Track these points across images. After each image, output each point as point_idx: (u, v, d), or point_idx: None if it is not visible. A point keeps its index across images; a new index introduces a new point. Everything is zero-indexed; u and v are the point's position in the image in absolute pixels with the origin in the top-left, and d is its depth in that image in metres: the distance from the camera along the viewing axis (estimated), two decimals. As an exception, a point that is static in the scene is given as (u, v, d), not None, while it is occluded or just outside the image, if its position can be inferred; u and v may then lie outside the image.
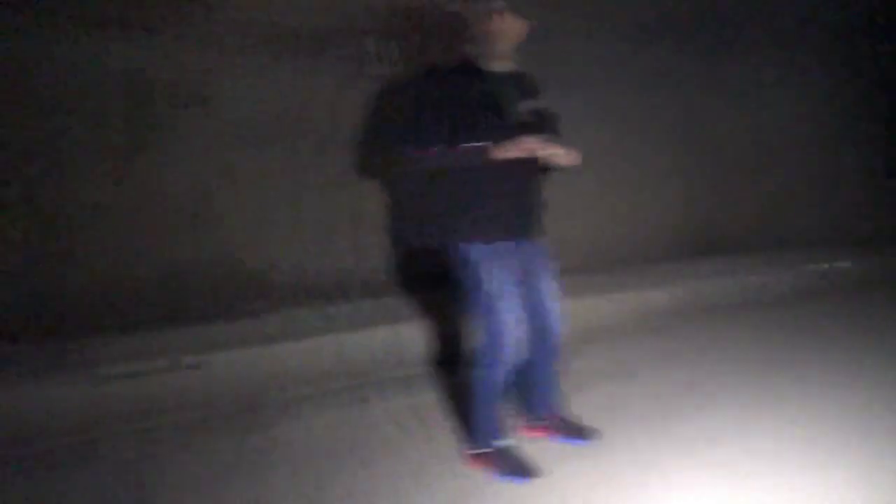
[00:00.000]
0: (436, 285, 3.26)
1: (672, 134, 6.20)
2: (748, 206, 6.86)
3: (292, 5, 3.86)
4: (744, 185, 6.83)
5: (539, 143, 2.16)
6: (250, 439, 2.63)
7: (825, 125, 7.51)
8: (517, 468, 2.27)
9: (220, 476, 2.31)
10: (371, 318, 3.55)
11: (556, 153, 2.20)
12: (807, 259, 5.88)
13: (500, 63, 2.33)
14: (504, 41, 2.30)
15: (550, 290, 2.46)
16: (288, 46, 3.88)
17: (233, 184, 3.81)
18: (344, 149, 4.01)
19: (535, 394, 2.57)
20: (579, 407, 2.76)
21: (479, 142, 2.17)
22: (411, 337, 3.42)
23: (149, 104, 3.56)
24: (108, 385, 2.71)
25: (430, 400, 3.01)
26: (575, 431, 2.53)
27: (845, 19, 7.44)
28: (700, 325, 4.31)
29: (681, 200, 6.34)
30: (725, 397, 2.93)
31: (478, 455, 2.34)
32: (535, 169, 2.32)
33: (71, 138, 3.43)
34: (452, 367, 3.24)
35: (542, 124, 2.32)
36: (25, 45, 3.32)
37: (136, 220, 3.55)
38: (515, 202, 2.36)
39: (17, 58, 3.30)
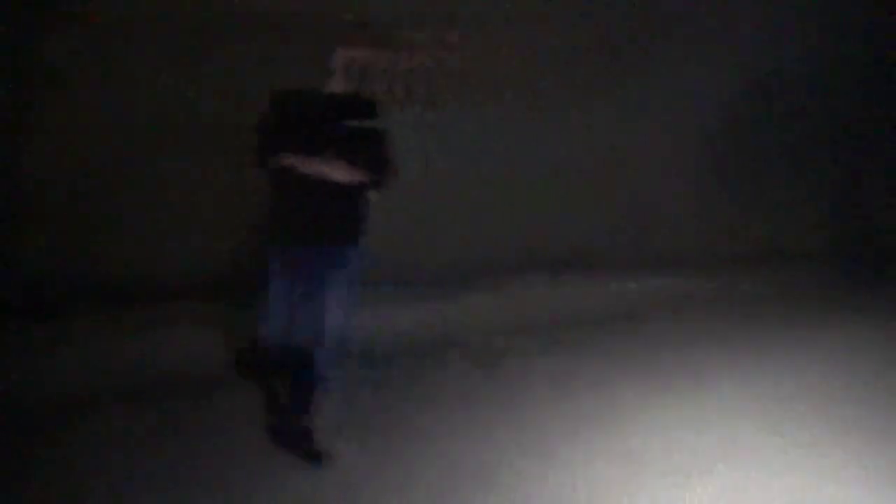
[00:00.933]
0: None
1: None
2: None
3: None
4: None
5: (301, 160, 2.46)
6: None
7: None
8: (307, 453, 2.56)
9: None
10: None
11: (319, 169, 2.46)
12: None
13: (337, 86, 2.60)
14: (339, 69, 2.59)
15: (334, 298, 2.58)
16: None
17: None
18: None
19: (295, 395, 2.69)
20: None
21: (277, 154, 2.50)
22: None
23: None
24: None
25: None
26: (307, 448, 2.59)
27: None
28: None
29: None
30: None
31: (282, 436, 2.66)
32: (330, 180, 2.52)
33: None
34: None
35: (349, 142, 2.54)
36: None
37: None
38: (303, 209, 2.57)
39: None
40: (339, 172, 2.49)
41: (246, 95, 4.17)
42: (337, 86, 2.60)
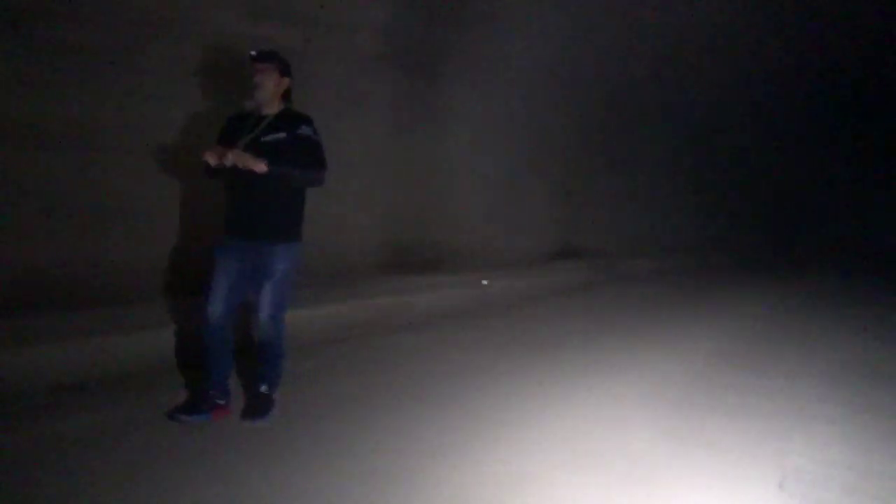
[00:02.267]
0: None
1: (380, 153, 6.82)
2: (443, 226, 7.75)
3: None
4: (438, 207, 7.64)
5: (223, 152, 3.10)
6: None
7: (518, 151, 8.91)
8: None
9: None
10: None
11: (245, 162, 3.05)
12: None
13: (267, 107, 3.29)
14: (260, 91, 3.24)
15: (267, 291, 3.20)
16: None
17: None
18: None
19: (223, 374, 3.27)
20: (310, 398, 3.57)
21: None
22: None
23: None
24: None
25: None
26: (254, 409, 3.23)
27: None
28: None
29: (389, 218, 7.00)
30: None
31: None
32: (260, 180, 3.09)
33: None
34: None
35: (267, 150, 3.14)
36: None
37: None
38: (241, 207, 3.23)
39: None
40: (260, 166, 3.05)
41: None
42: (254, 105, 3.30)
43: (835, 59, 13.18)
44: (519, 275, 7.95)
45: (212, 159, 3.11)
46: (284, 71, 3.33)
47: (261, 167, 3.05)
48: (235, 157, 3.07)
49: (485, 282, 6.88)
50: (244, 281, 3.27)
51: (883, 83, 15.03)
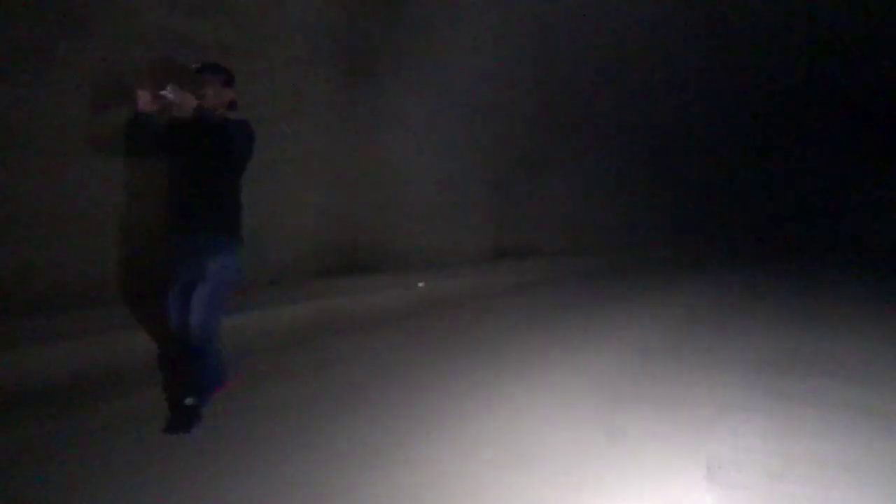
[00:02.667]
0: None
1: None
2: (382, 228, 7.73)
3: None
4: (377, 208, 7.63)
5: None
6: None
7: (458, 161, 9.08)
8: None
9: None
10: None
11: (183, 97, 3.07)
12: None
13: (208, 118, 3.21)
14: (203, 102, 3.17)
15: (200, 291, 3.12)
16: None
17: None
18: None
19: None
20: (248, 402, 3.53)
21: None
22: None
23: None
24: None
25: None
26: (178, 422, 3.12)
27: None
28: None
29: (327, 220, 6.90)
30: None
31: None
32: (201, 175, 3.13)
33: None
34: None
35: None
36: None
37: None
38: (181, 204, 3.21)
39: None
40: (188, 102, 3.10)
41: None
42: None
43: (784, 56, 13.68)
44: (458, 275, 8.01)
45: (146, 104, 3.09)
46: (228, 82, 3.30)
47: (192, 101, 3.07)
48: (173, 91, 3.06)
49: (421, 284, 6.89)
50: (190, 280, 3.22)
51: (829, 81, 15.64)
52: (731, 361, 4.87)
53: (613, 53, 10.99)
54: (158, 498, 2.46)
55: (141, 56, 4.69)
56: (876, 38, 13.24)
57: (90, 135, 4.44)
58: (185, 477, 2.63)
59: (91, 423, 3.17)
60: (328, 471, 2.74)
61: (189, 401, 3.18)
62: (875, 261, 15.46)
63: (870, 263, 14.76)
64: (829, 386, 4.21)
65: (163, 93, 3.07)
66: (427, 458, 2.91)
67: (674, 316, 6.93)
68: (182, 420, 3.13)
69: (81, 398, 3.42)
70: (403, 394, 3.87)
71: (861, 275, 12.35)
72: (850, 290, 9.87)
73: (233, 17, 5.49)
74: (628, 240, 14.51)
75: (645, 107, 13.55)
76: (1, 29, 4.04)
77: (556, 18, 9.27)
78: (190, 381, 3.23)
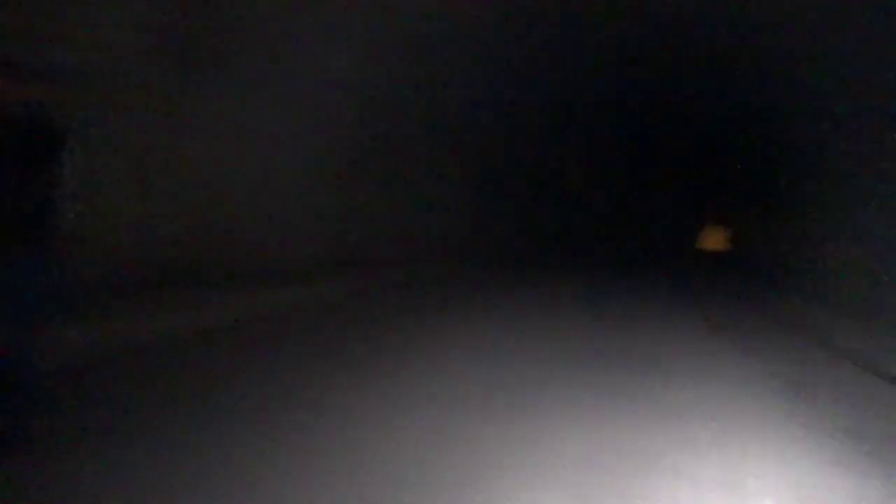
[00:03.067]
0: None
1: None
2: (213, 238, 7.64)
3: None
4: (208, 217, 7.56)
5: None
6: None
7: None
8: None
9: None
10: None
11: None
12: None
13: None
14: None
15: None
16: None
17: None
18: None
19: None
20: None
21: None
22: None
23: None
24: None
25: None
26: None
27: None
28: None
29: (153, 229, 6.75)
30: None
31: None
32: None
33: None
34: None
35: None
36: None
37: None
38: None
39: None
40: None
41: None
42: None
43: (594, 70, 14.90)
44: (289, 286, 7.81)
45: None
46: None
47: None
48: None
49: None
50: None
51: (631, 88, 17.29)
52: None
53: (438, 69, 11.21)
54: None
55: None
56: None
57: None
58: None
59: None
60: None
61: None
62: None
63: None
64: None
65: None
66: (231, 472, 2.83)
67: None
68: None
69: None
70: (220, 412, 3.77)
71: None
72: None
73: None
74: (460, 248, 14.99)
75: (468, 125, 14.13)
76: None
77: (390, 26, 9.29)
78: None
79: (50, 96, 3.34)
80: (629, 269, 15.61)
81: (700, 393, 4.62)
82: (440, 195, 14.20)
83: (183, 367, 4.77)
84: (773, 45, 9.20)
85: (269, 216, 8.45)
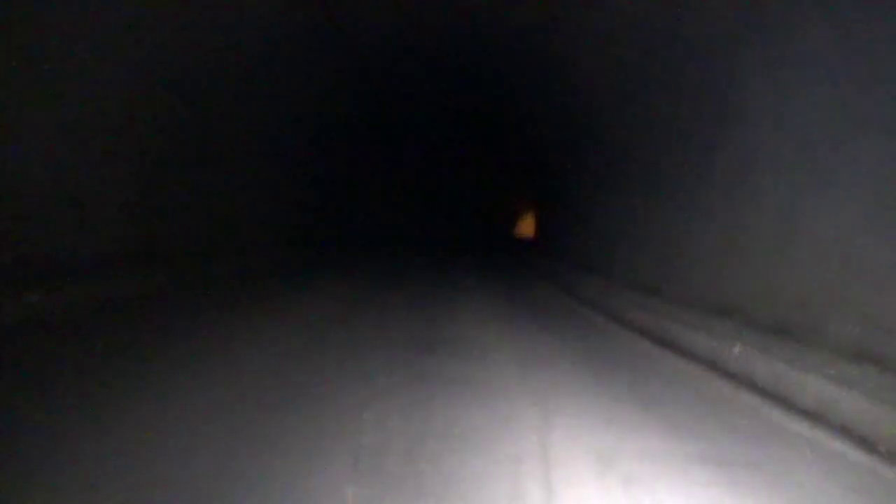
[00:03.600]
0: None
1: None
2: None
3: None
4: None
5: None
6: None
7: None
8: None
9: None
10: None
11: None
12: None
13: None
14: None
15: None
16: None
17: None
18: None
19: None
20: None
21: None
22: None
23: None
24: None
25: None
26: None
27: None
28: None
29: None
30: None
31: None
32: None
33: None
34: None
35: None
36: None
37: None
38: None
39: None
40: None
41: None
42: None
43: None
44: (80, 284, 6.85)
45: None
46: None
47: None
48: None
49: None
50: None
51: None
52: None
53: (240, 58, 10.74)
54: None
55: None
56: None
57: None
58: None
59: None
60: None
61: None
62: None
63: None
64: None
65: None
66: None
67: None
68: None
69: None
70: None
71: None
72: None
73: None
74: (270, 240, 14.50)
75: (280, 117, 13.79)
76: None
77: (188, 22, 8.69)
78: None
79: None
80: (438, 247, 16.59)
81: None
82: (265, 189, 13.72)
83: None
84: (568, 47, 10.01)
85: (55, 205, 7.37)
